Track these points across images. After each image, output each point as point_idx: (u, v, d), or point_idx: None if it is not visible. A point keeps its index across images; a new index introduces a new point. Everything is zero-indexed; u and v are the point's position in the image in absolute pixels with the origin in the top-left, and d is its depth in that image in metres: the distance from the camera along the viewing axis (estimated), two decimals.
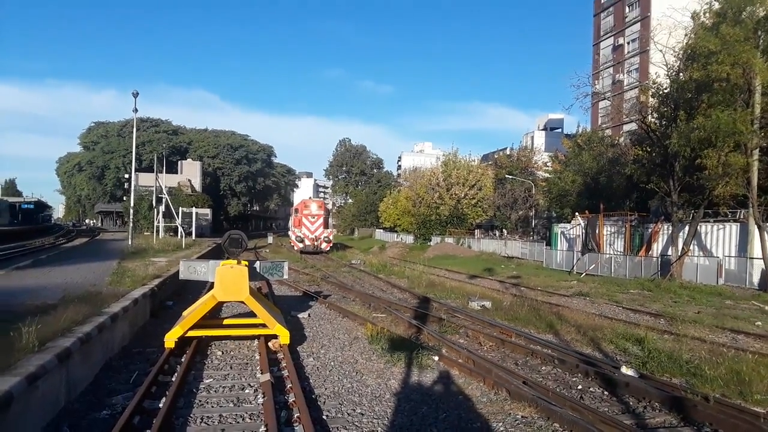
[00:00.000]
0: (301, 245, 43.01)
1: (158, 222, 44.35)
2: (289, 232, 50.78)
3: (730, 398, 8.06)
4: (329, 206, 64.51)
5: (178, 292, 17.83)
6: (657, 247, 30.11)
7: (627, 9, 54.80)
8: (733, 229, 26.01)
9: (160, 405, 7.06)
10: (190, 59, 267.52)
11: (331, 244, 45.21)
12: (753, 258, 23.30)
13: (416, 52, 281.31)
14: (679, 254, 25.89)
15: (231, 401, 7.54)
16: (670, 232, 27.99)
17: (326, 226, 45.09)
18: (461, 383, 8.73)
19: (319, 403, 7.65)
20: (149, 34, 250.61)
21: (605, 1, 58.15)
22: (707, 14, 23.89)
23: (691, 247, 26.36)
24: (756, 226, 22.88)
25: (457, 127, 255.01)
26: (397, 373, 9.20)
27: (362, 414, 7.27)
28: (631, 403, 8.05)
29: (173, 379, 8.22)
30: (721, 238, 26.58)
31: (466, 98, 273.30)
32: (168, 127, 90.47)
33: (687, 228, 26.49)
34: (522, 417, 7.23)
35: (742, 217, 25.83)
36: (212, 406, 7.33)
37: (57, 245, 37.11)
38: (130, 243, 31.97)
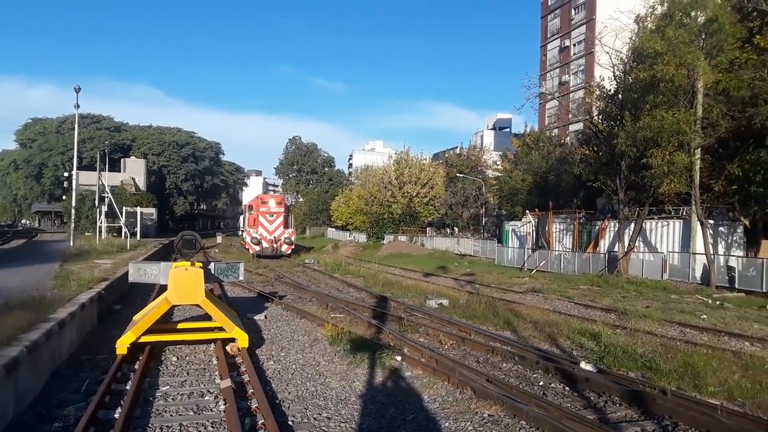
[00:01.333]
0: (257, 248, 36.82)
1: (101, 222, 42.70)
2: (242, 233, 44.69)
3: (685, 391, 8.28)
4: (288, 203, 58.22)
5: (125, 296, 17.19)
6: (604, 244, 31.03)
7: (573, 11, 56.29)
8: (677, 225, 27.04)
9: (116, 415, 6.70)
10: (132, 54, 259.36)
11: (293, 247, 39.29)
12: (695, 253, 24.26)
13: (367, 49, 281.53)
14: (626, 250, 26.72)
15: (191, 409, 7.23)
16: (616, 229, 28.86)
17: (287, 225, 39.11)
18: (426, 383, 8.67)
19: (283, 408, 7.43)
20: (89, 27, 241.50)
21: (552, 4, 59.55)
22: (651, 17, 24.71)
23: (637, 244, 27.23)
24: (698, 223, 23.83)
25: (408, 126, 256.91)
26: (361, 375, 9.06)
27: (329, 418, 7.10)
28: (592, 398, 8.16)
29: (128, 387, 7.82)
30: (665, 234, 27.60)
31: (417, 97, 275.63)
32: (110, 123, 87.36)
33: (633, 225, 27.36)
34: (489, 416, 7.21)
35: (685, 214, 26.88)
36: (171, 415, 7.01)
37: None
38: (71, 244, 30.65)
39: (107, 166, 55.35)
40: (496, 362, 10.23)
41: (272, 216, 38.03)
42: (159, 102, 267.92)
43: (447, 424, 6.92)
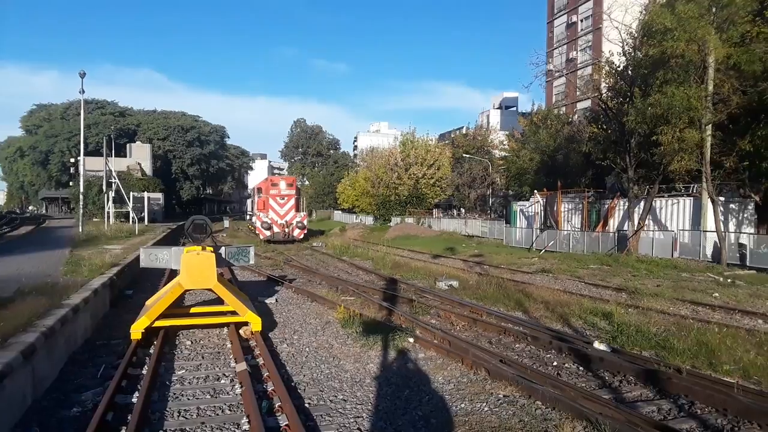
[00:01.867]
0: (268, 233, 34.73)
1: (109, 208, 42.80)
2: (252, 217, 42.93)
3: (700, 369, 8.26)
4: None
5: (136, 281, 17.24)
6: (613, 223, 30.89)
7: None
8: (687, 203, 26.85)
9: (134, 400, 6.73)
10: (135, 38, 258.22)
11: (306, 231, 36.83)
12: (706, 231, 24.10)
13: (371, 30, 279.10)
14: (636, 229, 26.60)
15: (207, 393, 7.26)
16: (626, 207, 28.71)
17: (298, 208, 36.89)
18: (439, 364, 8.67)
19: (299, 390, 7.46)
20: (92, 12, 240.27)
21: None
22: None
23: (647, 222, 27.10)
24: (709, 200, 23.65)
25: (413, 107, 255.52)
26: (375, 357, 9.07)
27: (344, 400, 7.12)
28: (607, 378, 8.15)
29: (144, 371, 7.88)
30: (675, 212, 27.42)
31: (422, 77, 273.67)
32: (115, 108, 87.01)
33: (642, 203, 27.20)
34: (504, 396, 7.22)
35: (695, 191, 26.68)
36: (188, 399, 7.05)
37: (1, 234, 35.42)
38: (80, 230, 30.77)
39: (113, 151, 55.41)
40: (508, 343, 10.23)
41: (283, 199, 35.75)
42: (163, 86, 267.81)
43: (463, 405, 6.93)
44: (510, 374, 7.75)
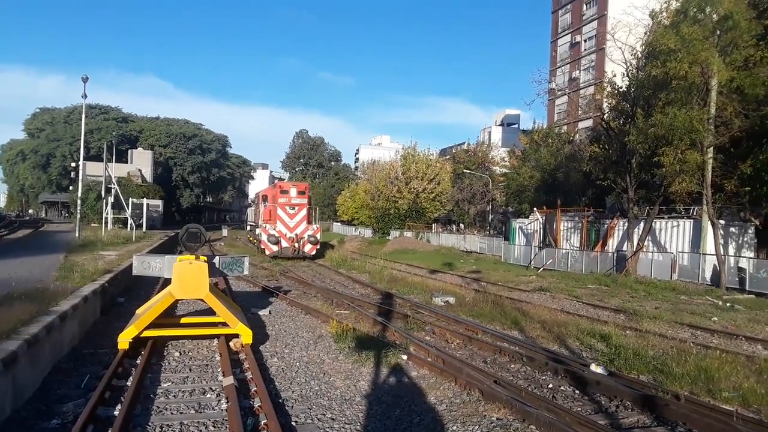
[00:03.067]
0: (275, 248, 30.31)
1: (107, 213, 42.63)
2: (255, 229, 36.86)
3: (699, 396, 8.08)
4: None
5: (129, 288, 17.07)
6: (613, 243, 30.72)
7: (585, 7, 55.71)
8: (687, 225, 26.71)
9: (116, 413, 6.56)
10: (141, 46, 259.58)
11: (318, 247, 31.93)
12: (706, 254, 23.92)
13: (375, 44, 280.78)
14: (635, 250, 26.42)
15: (192, 407, 7.07)
16: (625, 227, 28.55)
17: (310, 220, 32.43)
18: (432, 383, 8.48)
19: (286, 407, 7.27)
20: (99, 18, 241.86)
21: None
22: (666, 13, 24.33)
23: (646, 243, 26.92)
24: (709, 223, 23.50)
25: (416, 121, 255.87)
26: (366, 374, 8.88)
27: (333, 419, 6.93)
28: (603, 402, 7.96)
29: (128, 383, 7.69)
30: (675, 234, 27.27)
31: (425, 92, 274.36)
32: (118, 114, 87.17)
33: (642, 224, 27.05)
34: (497, 419, 7.03)
35: (695, 213, 26.54)
36: (172, 413, 6.85)
37: None
38: (77, 235, 30.59)
39: (114, 156, 55.34)
40: (503, 363, 10.04)
41: (293, 209, 31.17)
42: (167, 94, 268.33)
43: (455, 428, 6.74)
44: (504, 396, 7.55)
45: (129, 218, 40.86)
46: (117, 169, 53.41)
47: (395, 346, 10.38)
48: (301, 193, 32.22)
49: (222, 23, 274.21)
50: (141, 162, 71.44)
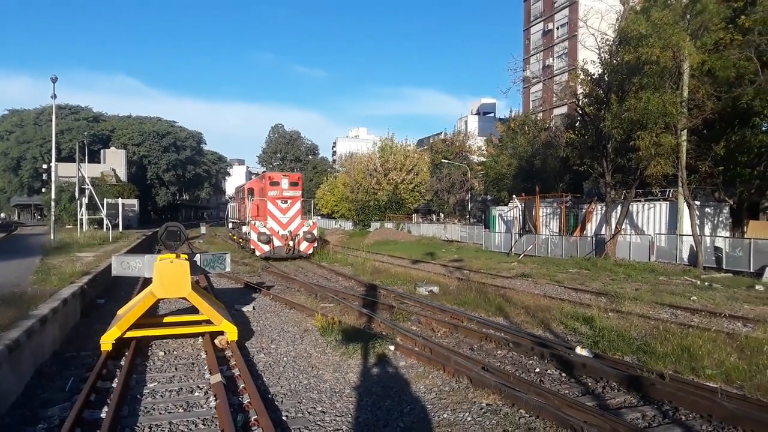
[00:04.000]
0: (266, 248, 26.77)
1: (82, 215, 41.90)
2: (241, 226, 32.91)
3: (683, 374, 8.20)
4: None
5: (109, 289, 16.80)
6: (591, 227, 31.08)
7: None
8: (663, 207, 27.12)
9: (102, 415, 6.45)
10: (109, 43, 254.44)
11: (315, 244, 28.69)
12: (682, 235, 24.33)
13: (348, 37, 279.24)
14: (613, 233, 26.77)
15: (180, 406, 6.98)
16: (603, 211, 28.90)
17: (304, 214, 29.52)
18: (421, 372, 8.49)
19: (276, 402, 7.21)
20: (65, 17, 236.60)
21: None
22: None
23: (624, 226, 27.29)
24: (685, 204, 23.89)
25: (392, 112, 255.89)
26: (354, 366, 8.86)
27: (323, 412, 6.90)
28: (590, 384, 8.05)
29: (114, 385, 7.56)
30: (652, 216, 27.67)
31: (400, 83, 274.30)
32: (89, 114, 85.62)
33: (619, 207, 27.40)
34: (487, 405, 7.07)
35: (671, 195, 26.95)
36: (160, 413, 6.76)
37: None
38: (52, 237, 30.05)
39: (86, 157, 54.35)
40: (490, 349, 10.09)
41: (285, 202, 27.69)
42: (137, 92, 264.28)
43: (445, 416, 6.75)
44: (493, 382, 7.59)
45: (104, 219, 40.25)
46: (90, 170, 52.54)
47: (382, 337, 10.37)
48: (293, 184, 28.30)
49: (191, 19, 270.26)
50: (114, 161, 70.40)
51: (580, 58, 30.56)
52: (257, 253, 26.77)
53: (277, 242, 26.98)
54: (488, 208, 45.78)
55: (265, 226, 26.98)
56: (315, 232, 28.02)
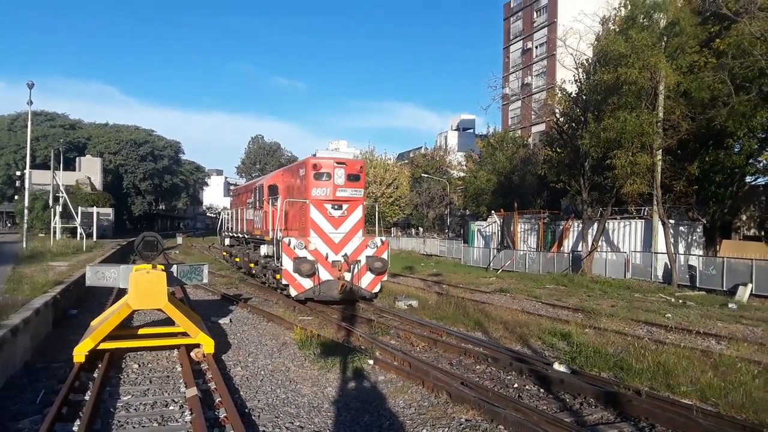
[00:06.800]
0: (307, 283, 15.67)
1: (55, 223, 41.18)
2: (248, 242, 23.29)
3: (658, 391, 8.29)
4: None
5: (82, 300, 16.48)
6: (568, 244, 31.43)
7: (535, 14, 57.02)
8: (639, 225, 27.58)
9: (75, 428, 6.31)
10: (86, 50, 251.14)
11: (384, 278, 17.09)
12: (657, 253, 24.74)
13: (329, 49, 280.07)
14: (589, 250, 27.10)
15: (155, 420, 6.84)
16: (580, 228, 29.26)
17: (366, 225, 18.96)
18: (400, 387, 8.45)
19: (253, 417, 7.11)
20: (40, 23, 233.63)
21: (515, 6, 60.21)
22: (614, 21, 25.13)
23: (600, 243, 27.65)
24: (660, 223, 24.31)
25: (372, 126, 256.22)
26: (333, 380, 8.78)
27: (301, 427, 6.81)
28: (567, 400, 8.09)
29: (86, 397, 7.39)
30: (627, 234, 28.11)
31: (381, 97, 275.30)
32: (65, 121, 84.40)
33: (596, 225, 27.79)
34: (466, 420, 7.06)
35: (646, 214, 27.42)
36: (134, 427, 6.61)
37: None
38: (24, 246, 29.40)
39: (62, 165, 53.49)
40: (469, 364, 10.09)
41: (339, 208, 16.43)
42: (114, 100, 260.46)
43: (425, 431, 6.72)
44: (472, 397, 7.59)
45: (78, 227, 39.58)
46: (65, 178, 51.71)
47: (361, 351, 10.31)
48: (353, 178, 16.55)
49: (169, 28, 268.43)
50: (90, 170, 69.36)
51: (559, 77, 31.18)
52: (292, 291, 15.74)
53: (325, 273, 15.81)
54: (467, 223, 46.05)
55: (305, 247, 15.77)
56: (386, 255, 16.83)
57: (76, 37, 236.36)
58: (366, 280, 16.45)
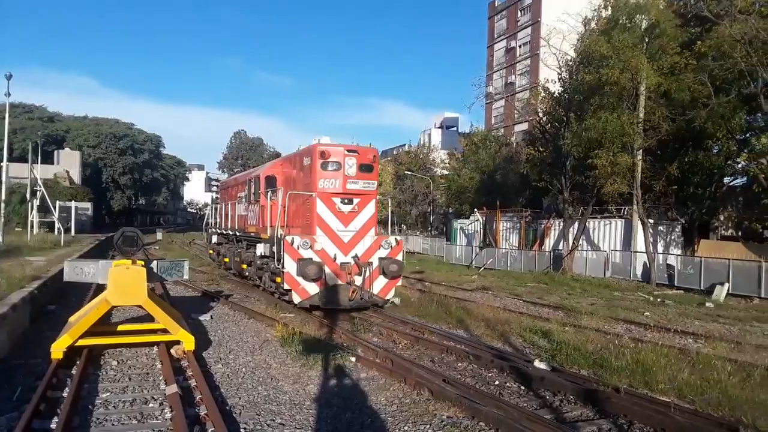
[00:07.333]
0: (312, 288, 13.97)
1: (33, 217, 40.53)
2: (238, 240, 21.11)
3: (637, 388, 8.37)
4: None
5: (60, 295, 16.23)
6: (549, 242, 31.70)
7: (519, 13, 57.28)
8: (619, 225, 27.91)
9: (53, 425, 6.21)
10: (65, 40, 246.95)
11: (399, 282, 15.73)
12: (636, 252, 25.07)
13: (314, 45, 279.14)
14: (570, 249, 27.37)
15: (134, 417, 6.77)
16: (561, 227, 29.54)
17: (379, 223, 17.24)
18: (382, 384, 8.47)
19: (234, 414, 7.06)
20: (18, 13, 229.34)
21: (499, 5, 60.43)
22: (596, 22, 25.36)
23: (581, 242, 27.93)
24: (639, 222, 24.63)
25: (356, 122, 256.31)
26: (315, 377, 8.77)
27: (283, 424, 6.79)
28: (547, 397, 8.15)
29: (65, 394, 7.28)
30: (607, 233, 28.44)
31: (364, 94, 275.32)
32: (43, 113, 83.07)
33: (577, 224, 28.08)
34: (448, 417, 7.09)
35: (626, 213, 27.76)
36: (113, 424, 6.54)
37: None
38: (0, 240, 28.91)
39: (39, 158, 52.61)
40: (451, 362, 10.14)
41: (350, 202, 14.72)
42: (94, 92, 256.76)
43: (406, 428, 6.74)
44: (453, 395, 7.62)
45: (56, 222, 39.01)
46: (43, 171, 50.93)
47: (343, 348, 10.31)
48: (366, 168, 14.69)
49: (150, 19, 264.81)
50: (68, 163, 68.30)
51: (542, 77, 31.41)
52: (295, 298, 14.08)
53: (332, 278, 14.19)
54: (450, 220, 46.24)
55: (310, 246, 14.09)
56: (401, 256, 15.28)
57: (55, 27, 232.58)
58: (378, 285, 14.74)
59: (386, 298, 15.02)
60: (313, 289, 13.99)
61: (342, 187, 14.38)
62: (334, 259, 14.28)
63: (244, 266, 19.24)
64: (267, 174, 17.92)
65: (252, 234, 18.49)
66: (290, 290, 14.11)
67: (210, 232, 27.42)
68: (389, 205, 17.71)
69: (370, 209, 14.89)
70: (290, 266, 13.90)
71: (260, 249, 16.35)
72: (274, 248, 14.73)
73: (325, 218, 14.43)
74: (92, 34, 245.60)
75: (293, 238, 14.06)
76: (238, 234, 21.09)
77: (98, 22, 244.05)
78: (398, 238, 15.71)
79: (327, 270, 14.04)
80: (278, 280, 14.60)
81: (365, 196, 14.76)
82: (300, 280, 13.85)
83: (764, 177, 21.78)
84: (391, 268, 14.51)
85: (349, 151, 14.69)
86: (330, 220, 14.47)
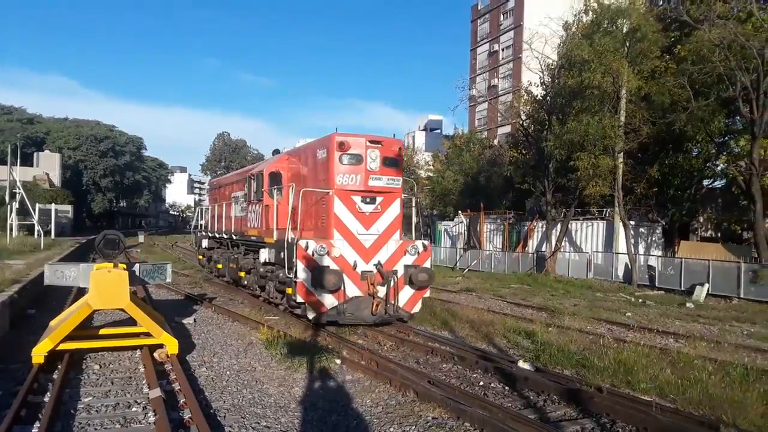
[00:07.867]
0: (330, 300, 12.01)
1: (12, 220, 39.94)
2: (234, 244, 19.07)
3: (619, 388, 8.47)
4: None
5: (40, 299, 16.02)
6: (533, 244, 31.93)
7: (502, 17, 57.62)
8: (601, 226, 28.20)
9: (34, 431, 6.15)
10: (45, 41, 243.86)
11: (426, 293, 13.50)
12: (618, 253, 25.34)
13: (297, 46, 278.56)
14: (553, 250, 27.59)
15: (117, 422, 6.70)
16: (544, 229, 29.76)
17: (404, 225, 13.98)
18: (367, 386, 8.47)
19: (219, 418, 7.02)
20: None
21: (482, 8, 60.75)
22: (577, 26, 25.64)
23: (564, 244, 28.17)
24: (621, 224, 24.91)
25: (340, 124, 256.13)
26: (300, 380, 8.75)
27: (268, 427, 6.76)
28: (531, 398, 8.21)
29: (46, 399, 7.19)
30: (589, 235, 28.72)
31: (348, 95, 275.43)
32: (22, 115, 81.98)
33: (559, 225, 28.32)
34: (433, 418, 7.11)
35: (608, 215, 28.06)
36: (95, 429, 6.46)
37: None
38: None
39: (19, 160, 51.87)
40: (436, 363, 10.17)
41: (372, 201, 12.69)
42: (74, 93, 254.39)
43: (392, 429, 6.75)
44: (438, 396, 7.65)
45: (36, 225, 38.49)
46: (22, 173, 50.26)
47: (328, 351, 10.29)
48: (390, 163, 12.89)
49: (131, 20, 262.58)
50: (48, 165, 67.42)
51: (524, 80, 31.64)
52: (309, 313, 12.35)
53: (352, 288, 12.30)
54: (434, 222, 46.29)
55: (327, 252, 12.13)
56: (428, 264, 13.57)
57: (36, 27, 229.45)
58: (404, 297, 12.80)
59: (412, 311, 13.19)
60: (330, 302, 12.10)
61: (363, 184, 12.44)
62: (354, 266, 12.34)
63: (242, 274, 17.05)
64: (271, 170, 15.71)
65: (253, 238, 16.22)
66: (303, 303, 12.26)
67: (199, 236, 24.75)
68: (415, 203, 15.08)
69: (395, 209, 12.97)
70: (304, 275, 11.99)
71: (264, 255, 14.40)
72: (282, 254, 12.63)
73: (344, 219, 12.49)
74: (73, 34, 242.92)
75: (307, 242, 12.09)
76: (234, 238, 18.65)
77: (79, 23, 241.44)
78: (425, 242, 13.68)
79: (347, 280, 12.15)
80: (288, 291, 12.68)
81: (389, 194, 12.84)
82: (314, 291, 12.02)
83: (743, 179, 22.17)
84: (420, 277, 12.65)
85: (371, 142, 12.68)
86: (349, 221, 12.53)
